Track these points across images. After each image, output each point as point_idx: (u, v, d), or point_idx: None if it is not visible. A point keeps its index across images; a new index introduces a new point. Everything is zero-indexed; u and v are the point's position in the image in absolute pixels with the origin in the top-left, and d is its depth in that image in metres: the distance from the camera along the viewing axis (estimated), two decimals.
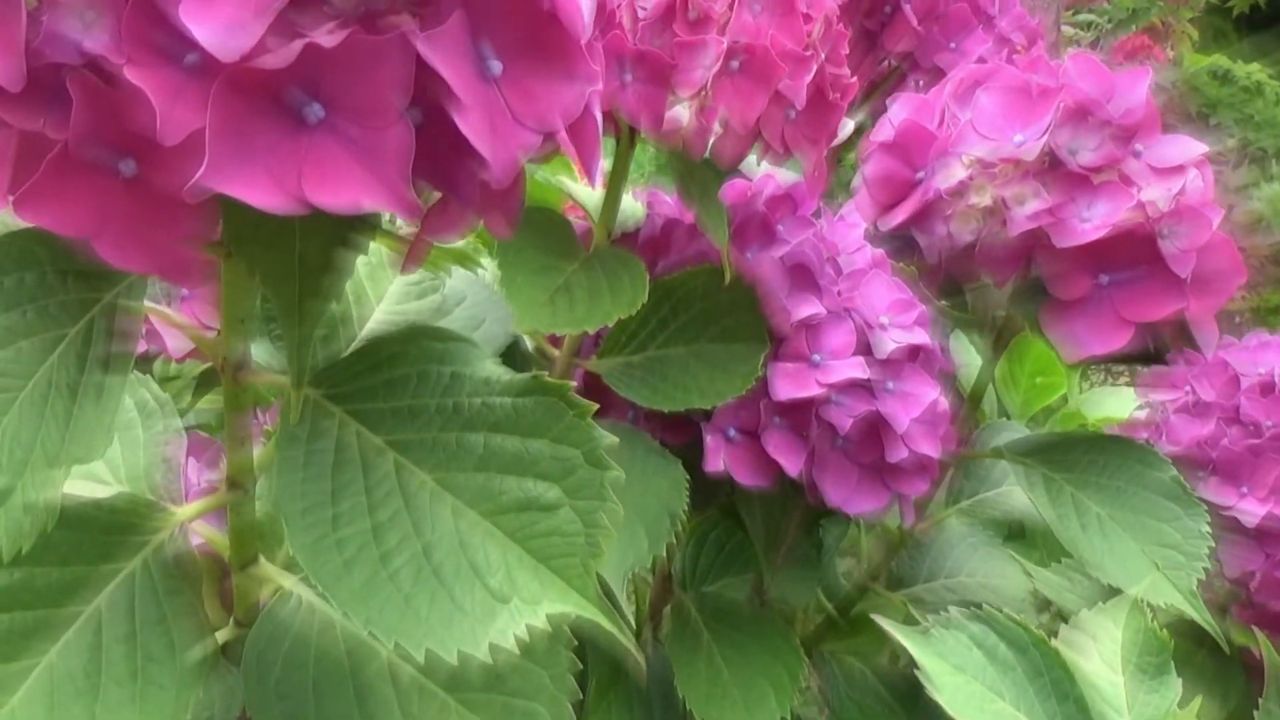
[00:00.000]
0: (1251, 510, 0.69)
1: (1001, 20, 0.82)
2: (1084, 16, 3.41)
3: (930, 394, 0.57)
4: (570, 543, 0.36)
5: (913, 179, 0.61)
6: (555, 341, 0.59)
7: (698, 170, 0.52)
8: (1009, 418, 1.06)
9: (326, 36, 0.26)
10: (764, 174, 0.60)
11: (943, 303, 0.65)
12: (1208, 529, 0.63)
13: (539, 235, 0.53)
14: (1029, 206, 0.57)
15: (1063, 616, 0.82)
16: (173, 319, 0.41)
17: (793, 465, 0.55)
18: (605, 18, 0.47)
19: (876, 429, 0.56)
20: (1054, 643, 0.44)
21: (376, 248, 0.40)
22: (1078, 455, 0.67)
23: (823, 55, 0.49)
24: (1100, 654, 0.45)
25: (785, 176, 0.62)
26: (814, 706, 0.78)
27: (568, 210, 0.67)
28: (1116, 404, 1.03)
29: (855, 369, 0.55)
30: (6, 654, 0.37)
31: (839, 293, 0.58)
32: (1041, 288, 0.59)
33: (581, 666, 0.42)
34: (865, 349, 0.57)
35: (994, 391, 1.04)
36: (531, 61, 0.29)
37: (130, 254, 0.28)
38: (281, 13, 0.26)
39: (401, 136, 0.27)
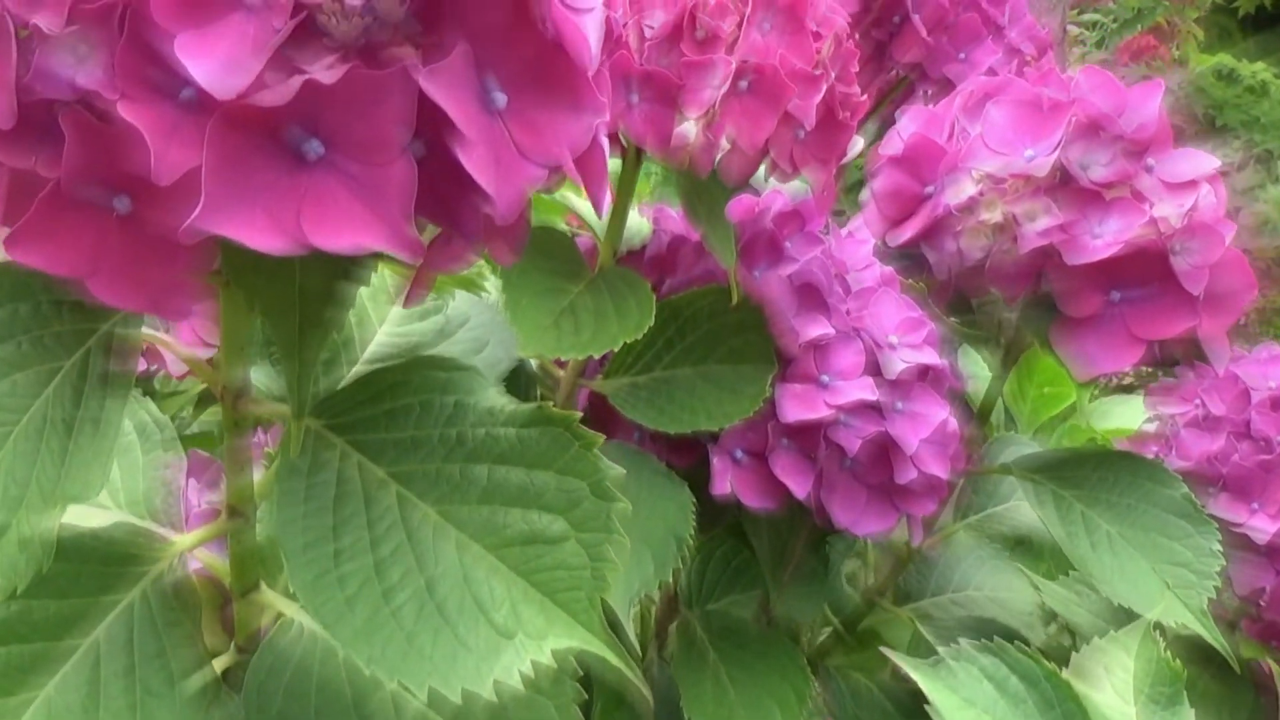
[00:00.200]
0: (1262, 528, 0.69)
1: (1011, 30, 0.81)
2: (1089, 16, 3.40)
3: (940, 414, 0.56)
4: (576, 576, 0.36)
5: (922, 194, 0.60)
6: (561, 361, 0.59)
7: (704, 188, 0.51)
8: (1016, 427, 1.05)
9: (326, 72, 0.25)
10: (772, 189, 0.59)
11: (952, 319, 0.64)
12: (1219, 547, 0.62)
13: (543, 256, 0.52)
14: (1040, 223, 0.56)
15: (1070, 630, 0.82)
16: (172, 346, 0.40)
17: (800, 488, 0.54)
18: (611, 37, 0.46)
19: (885, 450, 0.56)
20: (1065, 674, 0.43)
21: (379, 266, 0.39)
22: (1087, 472, 0.66)
23: (833, 74, 0.48)
24: (1112, 684, 0.44)
25: (793, 188, 0.61)
26: None
27: (568, 219, 0.67)
28: (1126, 414, 1.02)
29: (864, 390, 0.54)
30: (4, 688, 0.36)
31: (848, 312, 0.57)
32: (1052, 304, 0.59)
33: (587, 697, 0.41)
34: (874, 369, 0.56)
35: (1001, 401, 1.03)
36: (537, 93, 0.29)
37: (125, 293, 0.27)
38: (280, 48, 0.25)
39: (404, 173, 0.26)
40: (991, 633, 0.74)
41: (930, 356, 0.57)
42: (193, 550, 0.42)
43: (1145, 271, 0.57)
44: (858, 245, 0.61)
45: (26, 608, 0.37)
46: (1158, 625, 0.52)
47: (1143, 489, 0.65)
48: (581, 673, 0.41)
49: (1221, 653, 0.58)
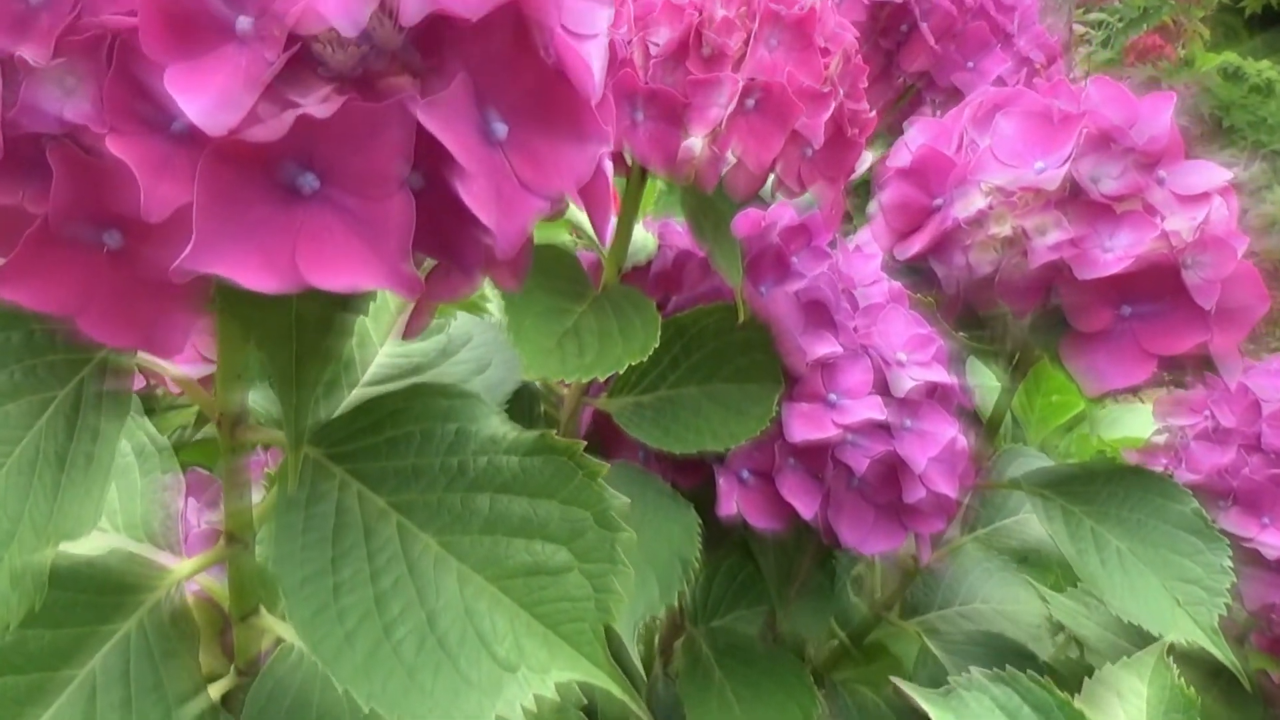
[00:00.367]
0: (1273, 543, 0.68)
1: (1020, 39, 0.80)
2: (1095, 15, 3.38)
3: (948, 432, 0.55)
4: (580, 608, 0.35)
5: (930, 206, 0.59)
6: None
7: (710, 204, 0.51)
8: (1024, 436, 1.05)
9: (320, 106, 0.25)
10: (778, 203, 0.58)
11: (961, 334, 0.64)
12: (1229, 563, 0.61)
13: (546, 275, 0.51)
14: (1050, 237, 0.55)
15: (1078, 642, 0.81)
16: (168, 371, 0.39)
17: (808, 508, 0.54)
18: (616, 56, 0.45)
19: (894, 469, 0.55)
20: (1077, 702, 0.42)
21: None
22: (1097, 487, 0.65)
23: (841, 91, 0.47)
24: (1125, 712, 0.43)
25: (800, 200, 0.60)
26: None
27: (571, 231, 0.66)
28: (1134, 422, 1.01)
29: (872, 409, 0.53)
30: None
31: (855, 328, 0.56)
32: (1062, 319, 0.58)
33: None
34: (882, 387, 0.55)
35: (1009, 410, 1.02)
36: (539, 123, 0.28)
37: (115, 330, 0.27)
38: (273, 80, 0.24)
39: (401, 208, 0.26)
40: (999, 646, 0.73)
41: (939, 374, 0.56)
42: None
43: (1156, 286, 0.56)
44: (865, 260, 0.60)
45: (22, 638, 0.37)
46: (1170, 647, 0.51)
47: (1153, 504, 0.64)
48: (585, 701, 0.40)
49: (1231, 669, 0.58)
